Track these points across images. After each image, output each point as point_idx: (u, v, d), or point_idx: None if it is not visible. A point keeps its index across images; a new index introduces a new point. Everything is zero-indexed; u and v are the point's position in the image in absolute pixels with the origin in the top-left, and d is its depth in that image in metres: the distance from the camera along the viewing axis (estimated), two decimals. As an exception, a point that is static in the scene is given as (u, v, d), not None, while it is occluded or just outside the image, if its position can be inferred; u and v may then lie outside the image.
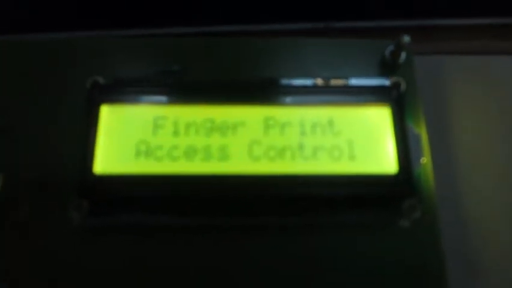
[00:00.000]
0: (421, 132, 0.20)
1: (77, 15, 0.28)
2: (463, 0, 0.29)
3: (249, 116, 0.19)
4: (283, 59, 0.22)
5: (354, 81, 0.21)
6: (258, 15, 0.27)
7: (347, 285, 0.18)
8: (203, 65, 0.21)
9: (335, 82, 0.21)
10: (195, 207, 0.18)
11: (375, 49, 0.22)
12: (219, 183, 0.18)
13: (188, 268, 0.18)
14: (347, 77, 0.21)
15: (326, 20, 0.27)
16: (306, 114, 0.20)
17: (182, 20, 0.28)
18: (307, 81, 0.20)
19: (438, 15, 0.30)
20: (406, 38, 0.21)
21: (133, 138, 0.19)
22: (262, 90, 0.20)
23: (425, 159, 0.20)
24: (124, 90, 0.20)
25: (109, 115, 0.19)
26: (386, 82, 0.21)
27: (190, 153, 0.18)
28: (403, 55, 0.22)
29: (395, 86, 0.21)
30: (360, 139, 0.19)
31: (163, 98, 0.20)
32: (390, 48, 0.22)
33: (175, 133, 0.19)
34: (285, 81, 0.20)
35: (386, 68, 0.22)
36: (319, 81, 0.21)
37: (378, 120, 0.20)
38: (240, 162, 0.18)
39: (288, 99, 0.20)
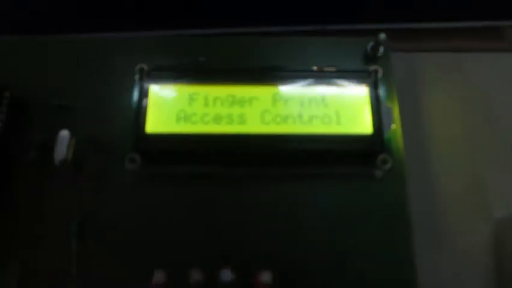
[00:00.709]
0: (393, 106, 0.27)
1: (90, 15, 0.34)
2: (438, 8, 0.35)
3: (261, 93, 0.26)
4: (288, 54, 0.28)
5: (342, 68, 0.27)
6: (263, 18, 0.33)
7: (332, 221, 0.24)
8: (222, 57, 0.28)
9: (327, 68, 0.27)
10: (221, 159, 0.25)
11: (360, 45, 0.29)
12: (239, 141, 0.24)
13: (214, 205, 0.24)
14: (336, 65, 0.27)
15: (323, 22, 0.33)
16: (305, 91, 0.26)
17: (192, 23, 0.34)
18: (306, 68, 0.27)
19: (417, 20, 0.36)
20: (382, 36, 0.27)
21: (174, 108, 0.25)
22: (271, 74, 0.26)
23: (395, 126, 0.26)
24: (165, 74, 0.26)
25: (155, 92, 0.26)
26: (367, 69, 0.27)
27: (217, 119, 0.25)
28: (381, 49, 0.28)
29: (374, 72, 0.27)
30: (345, 110, 0.25)
31: (195, 80, 0.26)
32: (371, 44, 0.28)
33: (205, 104, 0.25)
34: (289, 68, 0.27)
35: (368, 59, 0.28)
36: (315, 68, 0.27)
37: (359, 96, 0.26)
38: (254, 125, 0.25)
39: (291, 80, 0.26)
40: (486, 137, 0.32)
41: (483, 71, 0.34)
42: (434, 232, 0.29)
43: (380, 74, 0.27)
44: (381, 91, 0.26)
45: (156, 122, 0.25)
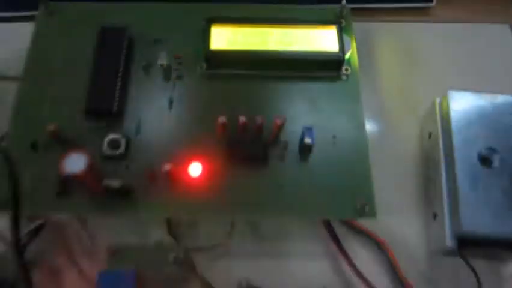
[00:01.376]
0: (351, 40, 0.45)
1: None
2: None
3: (271, 31, 0.44)
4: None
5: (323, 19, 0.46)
6: None
7: (310, 102, 0.43)
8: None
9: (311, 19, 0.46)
10: (255, 65, 0.43)
11: (331, 10, 0.48)
12: (260, 54, 0.43)
13: (249, 89, 0.43)
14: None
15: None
16: (297, 31, 0.45)
17: None
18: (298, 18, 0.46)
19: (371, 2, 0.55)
20: (344, 2, 0.47)
21: (226, 37, 0.44)
22: (275, 20, 0.45)
23: (350, 51, 0.45)
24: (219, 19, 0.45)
25: (216, 31, 0.44)
26: (337, 20, 0.46)
27: (249, 43, 0.43)
28: (345, 11, 0.47)
29: (339, 22, 0.46)
30: (323, 39, 0.44)
31: (239, 21, 0.45)
32: (338, 8, 0.47)
33: (244, 36, 0.44)
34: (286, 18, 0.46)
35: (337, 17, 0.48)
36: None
37: (331, 31, 0.45)
38: (270, 46, 0.43)
39: (288, 24, 0.45)
40: (412, 69, 0.51)
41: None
42: (379, 120, 0.48)
43: (343, 24, 0.46)
44: (344, 30, 0.45)
45: (217, 43, 0.43)
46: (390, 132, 0.48)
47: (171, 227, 0.41)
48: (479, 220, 0.38)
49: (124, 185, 0.37)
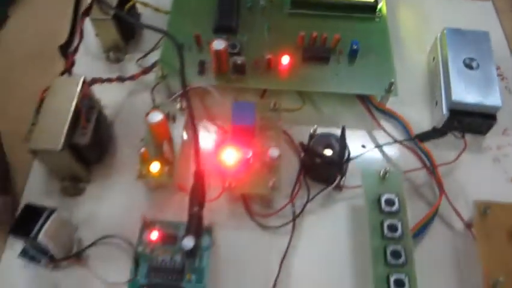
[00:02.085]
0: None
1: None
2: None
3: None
4: None
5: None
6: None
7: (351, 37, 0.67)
8: None
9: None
10: (322, 7, 0.68)
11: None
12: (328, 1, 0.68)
13: (320, 24, 0.67)
14: None
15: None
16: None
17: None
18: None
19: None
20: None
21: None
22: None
23: (382, 2, 0.69)
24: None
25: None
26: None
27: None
28: None
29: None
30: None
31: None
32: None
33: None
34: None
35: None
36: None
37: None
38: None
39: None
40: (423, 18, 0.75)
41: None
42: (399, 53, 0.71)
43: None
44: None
45: (296, -5, 0.69)
46: (406, 62, 0.71)
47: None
48: (464, 95, 0.60)
49: (243, 63, 0.61)
